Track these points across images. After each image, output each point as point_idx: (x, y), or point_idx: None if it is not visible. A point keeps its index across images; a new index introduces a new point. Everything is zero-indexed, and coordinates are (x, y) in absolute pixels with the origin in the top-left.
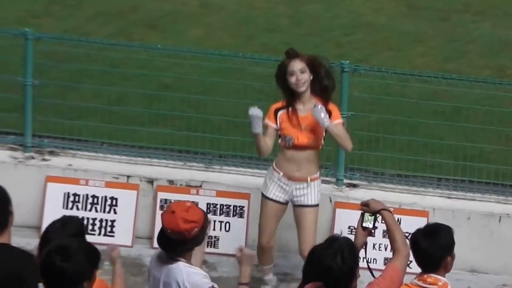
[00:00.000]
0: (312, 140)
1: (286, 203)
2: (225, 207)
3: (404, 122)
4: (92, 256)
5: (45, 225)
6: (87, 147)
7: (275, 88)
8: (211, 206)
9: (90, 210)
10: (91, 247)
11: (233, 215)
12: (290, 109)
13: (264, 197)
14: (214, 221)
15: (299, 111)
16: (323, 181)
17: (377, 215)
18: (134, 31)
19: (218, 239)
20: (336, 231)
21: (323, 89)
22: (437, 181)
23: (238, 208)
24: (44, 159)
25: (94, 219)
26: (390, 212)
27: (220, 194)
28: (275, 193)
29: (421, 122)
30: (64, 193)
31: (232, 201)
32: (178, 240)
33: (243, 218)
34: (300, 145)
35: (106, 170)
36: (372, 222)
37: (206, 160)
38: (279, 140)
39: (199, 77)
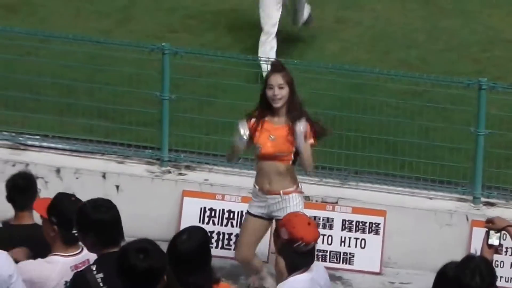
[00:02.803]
0: (279, 151)
1: (270, 219)
2: (360, 223)
3: None
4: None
5: None
6: (223, 162)
7: (412, 104)
8: (347, 222)
9: (226, 225)
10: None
11: (369, 232)
12: (264, 118)
13: (247, 212)
14: (350, 238)
15: (273, 122)
16: (460, 199)
17: (503, 232)
18: None
19: (353, 256)
20: (473, 249)
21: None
22: None
23: (373, 225)
24: (180, 174)
25: (230, 234)
26: None
27: (356, 210)
28: (255, 208)
29: None
30: (201, 208)
31: (368, 218)
32: (314, 247)
33: (378, 235)
34: (266, 154)
35: (242, 185)
36: (498, 239)
37: (341, 176)
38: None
39: (335, 93)
